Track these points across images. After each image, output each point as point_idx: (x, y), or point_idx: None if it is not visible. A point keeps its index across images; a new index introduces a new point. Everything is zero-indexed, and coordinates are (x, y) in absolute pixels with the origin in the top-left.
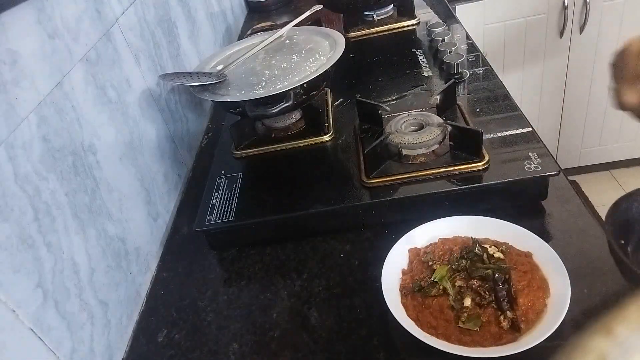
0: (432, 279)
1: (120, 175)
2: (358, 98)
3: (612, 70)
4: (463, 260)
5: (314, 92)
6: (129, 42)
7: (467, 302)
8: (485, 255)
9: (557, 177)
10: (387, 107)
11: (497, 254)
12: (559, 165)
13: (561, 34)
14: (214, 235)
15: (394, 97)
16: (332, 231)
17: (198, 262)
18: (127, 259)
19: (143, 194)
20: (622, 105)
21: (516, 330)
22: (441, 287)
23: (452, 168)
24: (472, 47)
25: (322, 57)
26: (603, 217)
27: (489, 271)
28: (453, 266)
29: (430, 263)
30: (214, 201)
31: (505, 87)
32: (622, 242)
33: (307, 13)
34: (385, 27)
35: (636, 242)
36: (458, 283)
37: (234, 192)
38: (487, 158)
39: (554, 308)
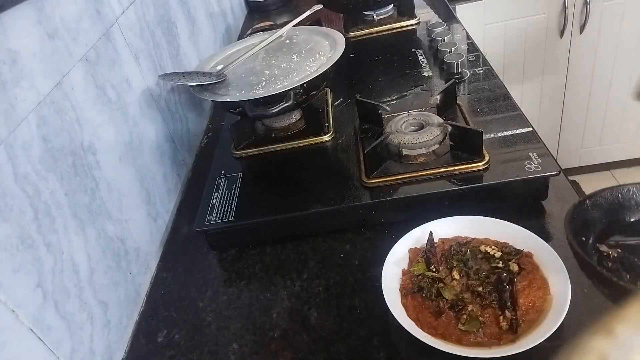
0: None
1: (120, 175)
2: (358, 98)
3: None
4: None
5: (314, 92)
6: (128, 42)
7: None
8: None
9: (557, 177)
10: (387, 107)
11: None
12: (559, 165)
13: (561, 34)
14: (214, 235)
15: (394, 97)
16: (332, 231)
17: (198, 262)
18: (126, 259)
19: (143, 194)
20: None
21: (516, 330)
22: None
23: (452, 168)
24: (472, 47)
25: (322, 57)
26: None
27: (497, 271)
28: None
29: None
30: (214, 201)
31: (505, 87)
32: (583, 239)
33: (307, 13)
34: (385, 27)
35: (594, 239)
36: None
37: (234, 192)
38: (487, 158)
39: (554, 308)
